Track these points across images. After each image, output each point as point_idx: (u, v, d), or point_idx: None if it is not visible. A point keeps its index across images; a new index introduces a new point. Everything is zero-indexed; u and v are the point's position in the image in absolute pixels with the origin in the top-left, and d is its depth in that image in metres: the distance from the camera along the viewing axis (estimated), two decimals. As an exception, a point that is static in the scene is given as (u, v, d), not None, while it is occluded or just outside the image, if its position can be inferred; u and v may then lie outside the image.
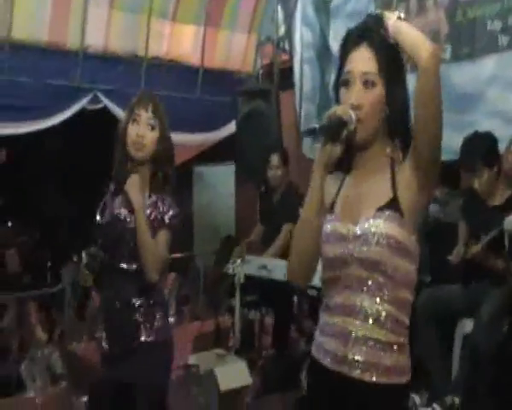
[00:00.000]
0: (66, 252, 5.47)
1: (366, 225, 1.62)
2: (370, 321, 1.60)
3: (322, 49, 5.84)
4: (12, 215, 6.64)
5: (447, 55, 4.86)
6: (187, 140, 5.30)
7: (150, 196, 2.52)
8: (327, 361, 1.67)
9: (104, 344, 2.52)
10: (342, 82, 1.69)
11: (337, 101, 1.70)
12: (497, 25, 4.54)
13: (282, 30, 6.02)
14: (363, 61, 1.66)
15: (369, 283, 1.61)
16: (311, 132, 1.67)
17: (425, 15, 5.08)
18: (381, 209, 1.62)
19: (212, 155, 5.89)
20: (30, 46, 4.83)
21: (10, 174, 6.48)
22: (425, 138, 1.61)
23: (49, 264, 5.57)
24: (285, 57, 5.96)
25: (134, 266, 2.46)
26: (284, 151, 4.68)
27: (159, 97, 2.57)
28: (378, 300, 1.60)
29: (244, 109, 5.38)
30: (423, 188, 1.64)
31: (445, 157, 4.88)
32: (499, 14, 4.49)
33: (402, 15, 1.66)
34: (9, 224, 6.63)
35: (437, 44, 1.63)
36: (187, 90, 5.58)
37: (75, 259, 5.35)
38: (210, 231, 6.02)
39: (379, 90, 1.65)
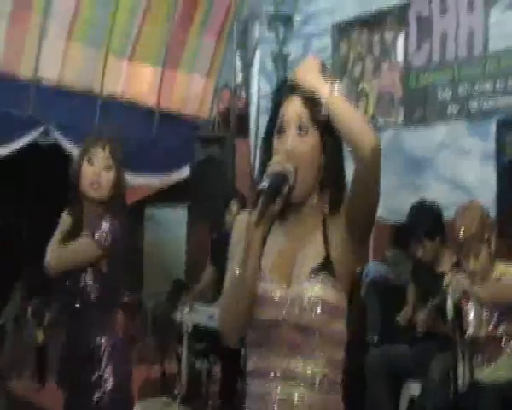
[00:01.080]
0: (10, 284, 5.25)
1: (299, 289, 1.58)
2: (306, 386, 1.56)
3: (279, 101, 5.91)
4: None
5: (400, 119, 5.03)
6: (140, 181, 5.22)
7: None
8: None
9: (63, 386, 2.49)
10: (277, 130, 1.64)
11: (266, 153, 1.65)
12: (447, 94, 4.74)
13: (239, 77, 6.09)
14: (296, 107, 1.63)
15: (303, 347, 1.57)
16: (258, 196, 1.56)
17: (380, 78, 5.25)
18: (314, 271, 1.58)
19: (165, 196, 5.84)
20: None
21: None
22: (360, 211, 1.58)
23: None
24: (241, 104, 6.01)
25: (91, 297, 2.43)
26: (243, 198, 4.68)
27: (114, 136, 2.56)
28: (312, 364, 1.57)
29: (200, 155, 5.38)
30: (356, 251, 1.63)
31: (395, 219, 5.04)
32: (449, 84, 4.69)
33: (339, 88, 1.57)
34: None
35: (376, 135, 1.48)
36: (142, 132, 5.52)
37: (19, 289, 5.13)
38: (160, 272, 5.93)
39: (314, 138, 1.62)
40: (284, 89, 1.68)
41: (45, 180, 4.72)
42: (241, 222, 1.68)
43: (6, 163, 4.81)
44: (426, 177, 4.69)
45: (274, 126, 1.65)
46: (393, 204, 4.78)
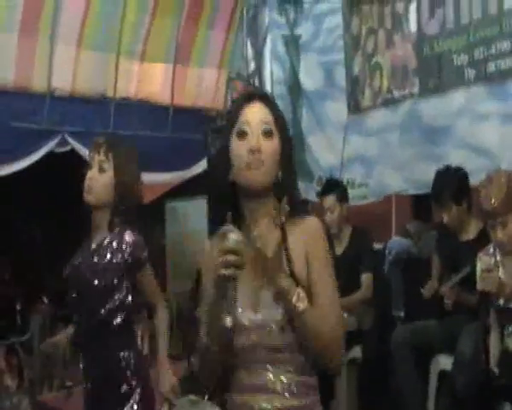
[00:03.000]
0: (37, 294, 5.35)
1: (267, 314, 1.60)
2: (285, 393, 1.61)
3: (293, 85, 5.86)
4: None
5: (415, 89, 4.91)
6: (158, 179, 5.25)
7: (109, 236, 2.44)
8: None
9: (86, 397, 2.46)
10: (238, 133, 1.63)
11: (223, 157, 1.64)
12: (463, 59, 4.59)
13: (251, 66, 6.04)
14: (260, 112, 1.65)
15: (277, 363, 1.61)
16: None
17: (393, 50, 5.12)
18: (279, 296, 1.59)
19: (184, 189, 5.86)
20: (-5, 90, 4.76)
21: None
22: None
23: (18, 307, 5.44)
24: (255, 91, 5.96)
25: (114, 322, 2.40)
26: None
27: (126, 138, 2.52)
28: (287, 375, 1.61)
29: (216, 146, 5.36)
30: None
31: (416, 191, 4.94)
32: (465, 49, 4.54)
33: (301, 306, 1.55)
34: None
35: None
36: (157, 129, 5.53)
37: (45, 300, 5.22)
38: (183, 265, 5.95)
39: (276, 142, 1.65)
40: (246, 96, 1.70)
41: (62, 189, 4.76)
42: (207, 253, 1.68)
43: (25, 174, 4.87)
44: (445, 146, 4.57)
45: (232, 131, 1.64)
46: (413, 176, 4.69)
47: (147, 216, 2.64)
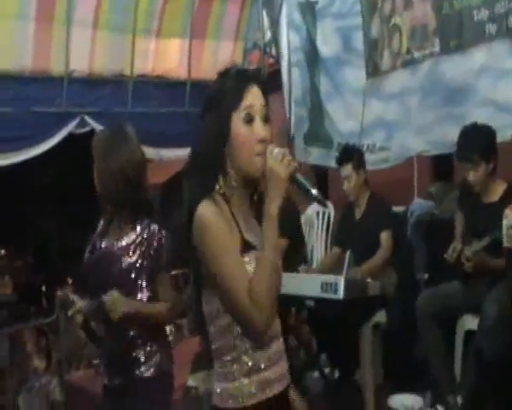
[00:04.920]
0: (61, 275, 5.43)
1: None
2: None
3: (311, 52, 5.79)
4: (4, 241, 6.60)
5: (436, 49, 4.78)
6: (177, 154, 5.25)
7: (135, 228, 2.39)
8: (276, 389, 1.72)
9: (104, 378, 2.48)
10: (245, 119, 1.68)
11: (224, 128, 1.67)
12: (483, 14, 4.44)
13: (268, 35, 5.98)
14: (260, 96, 1.71)
15: None
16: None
17: (412, 10, 5.00)
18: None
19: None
20: (13, 76, 4.80)
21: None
22: None
23: (43, 289, 5.54)
24: (271, 61, 5.91)
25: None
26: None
27: (140, 117, 2.50)
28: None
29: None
30: None
31: (439, 151, 4.83)
32: (486, 3, 4.39)
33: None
34: (2, 251, 6.59)
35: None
36: (175, 105, 5.53)
37: (70, 281, 5.29)
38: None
39: (270, 126, 1.73)
40: (245, 77, 1.73)
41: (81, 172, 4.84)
42: (214, 214, 1.67)
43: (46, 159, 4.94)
44: (468, 105, 4.45)
45: (233, 111, 1.68)
46: (435, 137, 4.59)
47: (165, 193, 2.60)
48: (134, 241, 2.38)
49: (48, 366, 4.59)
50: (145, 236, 2.38)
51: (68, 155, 5.33)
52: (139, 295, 2.40)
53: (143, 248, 2.37)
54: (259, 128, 1.68)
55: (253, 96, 1.69)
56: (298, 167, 1.69)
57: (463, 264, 3.51)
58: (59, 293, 2.50)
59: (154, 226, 2.38)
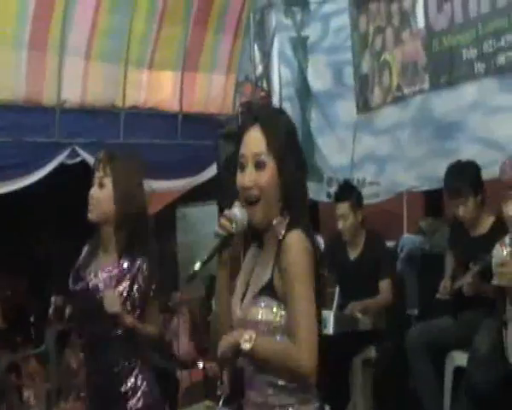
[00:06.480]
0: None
1: (246, 311, 1.72)
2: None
3: (302, 87, 5.84)
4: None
5: (426, 85, 4.85)
6: (169, 186, 5.25)
7: (119, 262, 2.40)
8: None
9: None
10: (238, 166, 1.72)
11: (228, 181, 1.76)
12: (472, 53, 4.53)
13: (259, 69, 6.03)
14: (254, 142, 1.70)
15: None
16: (192, 277, 1.75)
17: (402, 47, 5.08)
18: (256, 295, 1.70)
19: (194, 195, 5.88)
20: (7, 105, 4.79)
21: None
22: None
23: (31, 319, 5.48)
24: (263, 93, 5.96)
25: (117, 332, 2.37)
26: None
27: (133, 147, 2.51)
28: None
29: (226, 151, 5.35)
30: None
31: (428, 186, 4.87)
32: (474, 42, 4.48)
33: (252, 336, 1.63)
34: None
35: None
36: (167, 137, 5.55)
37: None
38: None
39: (270, 170, 1.69)
40: (246, 119, 1.79)
41: (74, 201, 4.84)
42: None
43: (39, 188, 4.91)
44: (457, 141, 4.52)
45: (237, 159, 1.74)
46: (425, 172, 4.64)
47: (157, 224, 2.61)
48: (117, 275, 2.39)
49: (36, 397, 4.52)
50: (129, 271, 2.39)
51: (61, 184, 5.28)
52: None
53: (128, 282, 2.38)
54: (245, 175, 1.70)
55: (246, 144, 1.71)
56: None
57: (454, 298, 3.55)
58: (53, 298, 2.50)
59: (139, 261, 2.39)
